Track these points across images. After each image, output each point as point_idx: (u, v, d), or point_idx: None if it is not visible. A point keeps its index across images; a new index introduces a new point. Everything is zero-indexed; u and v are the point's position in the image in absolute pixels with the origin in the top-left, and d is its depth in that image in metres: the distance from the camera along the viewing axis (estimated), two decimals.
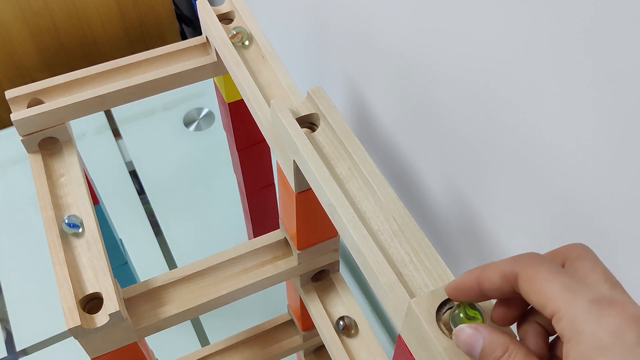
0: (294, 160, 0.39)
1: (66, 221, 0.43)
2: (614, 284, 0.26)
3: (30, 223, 0.85)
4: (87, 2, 0.97)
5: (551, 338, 0.28)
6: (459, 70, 0.45)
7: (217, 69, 0.51)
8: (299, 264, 0.48)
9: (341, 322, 0.49)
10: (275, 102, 0.39)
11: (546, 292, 0.25)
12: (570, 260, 0.28)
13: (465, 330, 0.27)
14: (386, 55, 0.54)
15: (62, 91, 0.49)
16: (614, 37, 0.32)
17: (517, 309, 0.28)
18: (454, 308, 0.29)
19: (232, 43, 0.44)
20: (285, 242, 0.49)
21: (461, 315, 0.28)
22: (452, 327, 0.28)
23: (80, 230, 0.43)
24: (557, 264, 0.27)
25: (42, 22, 0.96)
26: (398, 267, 0.32)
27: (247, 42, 0.45)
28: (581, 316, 0.24)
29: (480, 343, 0.27)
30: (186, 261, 0.80)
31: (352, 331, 0.49)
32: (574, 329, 0.24)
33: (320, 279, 0.53)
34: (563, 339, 0.24)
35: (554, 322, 0.25)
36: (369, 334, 0.49)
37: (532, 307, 0.28)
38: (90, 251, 0.43)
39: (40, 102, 0.48)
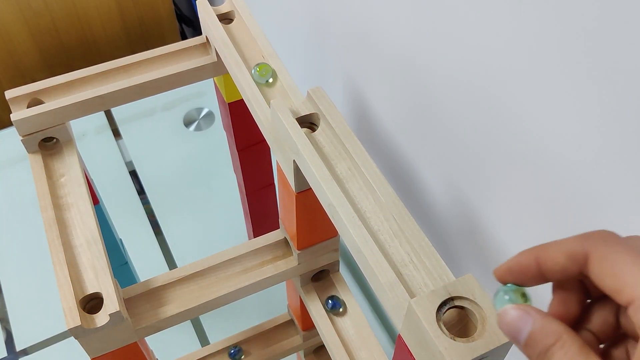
0: (294, 160, 0.39)
1: None
2: None
3: (30, 223, 0.85)
4: (87, 2, 0.97)
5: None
6: (459, 71, 0.45)
7: (217, 69, 0.51)
8: (299, 264, 0.48)
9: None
10: (275, 102, 0.39)
11: (624, 277, 0.22)
12: None
13: (510, 311, 0.24)
14: (386, 55, 0.54)
15: (62, 91, 0.49)
16: (614, 37, 0.32)
17: (575, 299, 0.26)
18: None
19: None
20: (285, 242, 0.49)
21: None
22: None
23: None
24: (632, 245, 0.23)
25: (42, 22, 0.96)
26: (398, 267, 0.32)
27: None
28: None
29: (529, 327, 0.24)
30: (186, 261, 0.80)
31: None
32: None
33: (320, 279, 0.53)
34: None
35: (631, 311, 0.22)
36: (368, 333, 0.49)
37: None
38: (90, 251, 0.43)
39: (40, 102, 0.48)
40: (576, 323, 0.26)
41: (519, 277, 0.26)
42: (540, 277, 0.25)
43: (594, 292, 0.26)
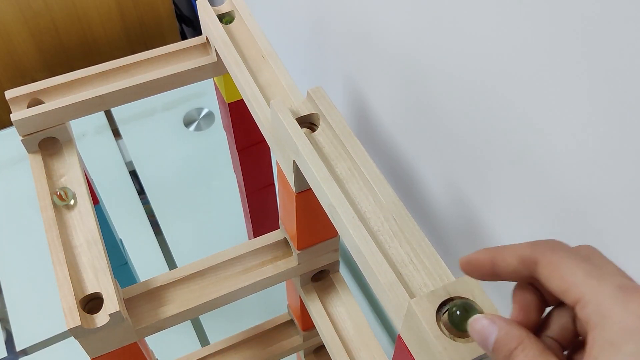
0: (294, 160, 0.39)
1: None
2: (630, 277, 0.25)
3: (30, 223, 0.85)
4: (87, 2, 0.97)
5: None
6: (459, 70, 0.45)
7: (217, 69, 0.51)
8: (299, 264, 0.48)
9: None
10: (275, 102, 0.39)
11: (569, 278, 0.25)
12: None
13: (480, 320, 0.27)
14: (386, 55, 0.54)
15: (62, 91, 0.49)
16: (613, 36, 0.32)
17: (533, 307, 0.28)
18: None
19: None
20: (285, 242, 0.49)
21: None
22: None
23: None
24: (577, 252, 0.26)
25: (42, 22, 0.96)
26: (398, 267, 0.32)
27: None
28: (607, 301, 0.23)
29: (495, 334, 0.26)
30: (186, 261, 0.80)
31: None
32: (600, 314, 0.23)
33: (320, 279, 0.53)
34: (588, 325, 0.24)
35: (578, 309, 0.24)
36: (368, 333, 0.49)
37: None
38: (90, 251, 0.43)
39: (40, 102, 0.48)
40: (537, 330, 0.28)
41: (476, 271, 0.28)
42: (493, 275, 0.28)
43: (551, 300, 0.28)
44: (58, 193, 0.45)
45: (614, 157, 0.35)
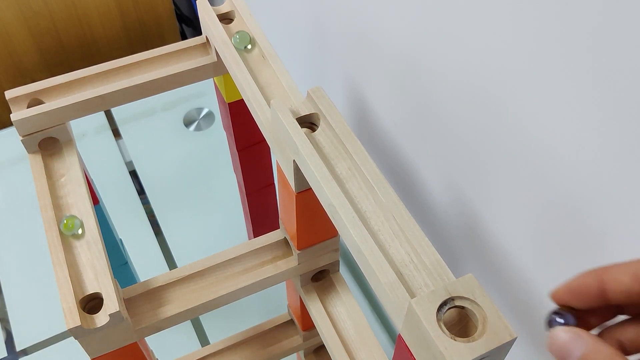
0: (294, 160, 0.39)
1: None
2: None
3: (30, 223, 0.85)
4: (87, 2, 0.97)
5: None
6: (460, 71, 0.45)
7: (217, 69, 0.51)
8: (299, 264, 0.48)
9: None
10: (275, 102, 0.39)
11: None
12: None
13: (562, 334, 0.24)
14: (386, 55, 0.54)
15: (62, 91, 0.49)
16: (615, 38, 0.32)
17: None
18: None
19: None
20: (285, 242, 0.49)
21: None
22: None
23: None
24: None
25: (42, 22, 0.96)
26: (398, 267, 0.32)
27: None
28: None
29: (581, 350, 0.23)
30: (186, 261, 0.80)
31: None
32: None
33: (320, 279, 0.53)
34: None
35: None
36: (368, 333, 0.49)
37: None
38: (90, 251, 0.43)
39: (40, 102, 0.48)
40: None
41: (580, 298, 0.26)
42: (601, 298, 0.25)
43: None
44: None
45: (615, 158, 0.35)
